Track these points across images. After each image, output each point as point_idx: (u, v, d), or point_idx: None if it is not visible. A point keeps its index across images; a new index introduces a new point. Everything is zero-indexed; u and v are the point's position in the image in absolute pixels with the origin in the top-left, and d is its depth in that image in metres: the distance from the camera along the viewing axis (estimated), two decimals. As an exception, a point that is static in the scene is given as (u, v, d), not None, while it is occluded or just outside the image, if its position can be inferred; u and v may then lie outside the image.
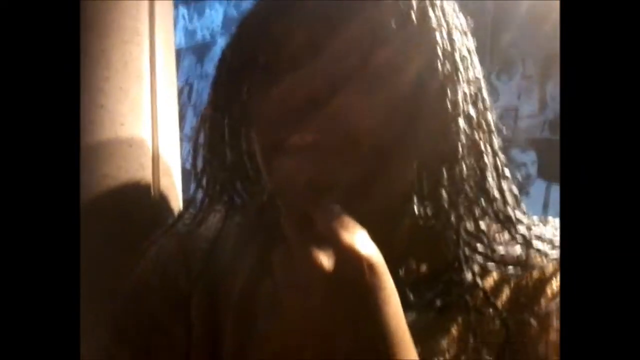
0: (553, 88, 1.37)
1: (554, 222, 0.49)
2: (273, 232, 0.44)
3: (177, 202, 0.73)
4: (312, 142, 0.41)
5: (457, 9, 0.47)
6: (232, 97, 0.48)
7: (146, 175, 0.69)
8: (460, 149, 0.43)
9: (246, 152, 0.50)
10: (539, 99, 1.38)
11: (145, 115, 0.69)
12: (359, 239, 0.36)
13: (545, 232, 0.47)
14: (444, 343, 0.45)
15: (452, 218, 0.43)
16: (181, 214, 0.55)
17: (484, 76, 0.46)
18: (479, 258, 0.45)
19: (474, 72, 0.46)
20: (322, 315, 0.36)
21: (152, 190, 0.69)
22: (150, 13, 0.69)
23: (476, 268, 0.45)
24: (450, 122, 0.43)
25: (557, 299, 0.44)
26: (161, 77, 0.71)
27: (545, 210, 1.35)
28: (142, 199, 0.68)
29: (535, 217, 0.49)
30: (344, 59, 0.42)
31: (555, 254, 0.46)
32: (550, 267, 0.46)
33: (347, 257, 0.36)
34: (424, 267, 0.47)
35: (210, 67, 2.15)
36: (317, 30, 0.43)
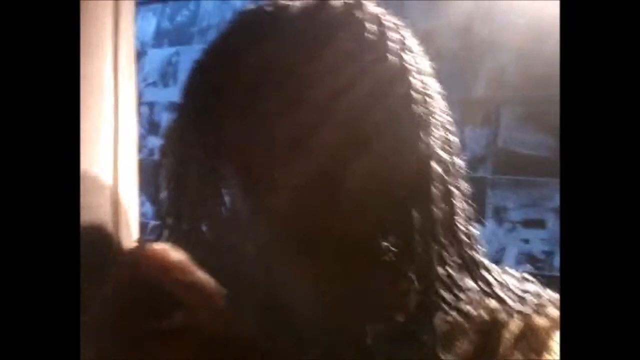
0: (471, 131, 1.46)
1: (508, 269, 0.49)
2: None
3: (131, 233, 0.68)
4: (301, 182, 0.42)
5: (422, 52, 0.48)
6: (203, 127, 0.46)
7: (106, 203, 0.64)
8: (433, 191, 0.43)
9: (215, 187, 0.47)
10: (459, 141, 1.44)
11: (107, 137, 0.65)
12: None
13: (504, 278, 0.47)
14: None
15: (423, 262, 0.42)
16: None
17: (450, 121, 0.47)
18: (445, 306, 0.43)
19: (443, 116, 0.47)
20: None
21: (111, 219, 0.64)
22: (115, 24, 0.66)
23: (447, 319, 0.43)
24: (424, 164, 0.43)
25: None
26: (123, 91, 0.67)
27: None
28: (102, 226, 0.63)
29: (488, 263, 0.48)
30: (323, 94, 0.42)
31: (518, 306, 0.45)
32: (513, 324, 0.44)
33: None
34: (385, 317, 0.44)
35: (139, 77, 2.10)
36: (295, 57, 0.43)
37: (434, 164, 0.44)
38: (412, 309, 0.43)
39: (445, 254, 0.43)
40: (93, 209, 0.62)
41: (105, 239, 0.62)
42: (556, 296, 0.47)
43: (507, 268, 0.49)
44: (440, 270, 0.43)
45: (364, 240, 0.43)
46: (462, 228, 0.45)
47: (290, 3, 0.46)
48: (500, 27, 1.44)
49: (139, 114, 2.09)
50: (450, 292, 0.43)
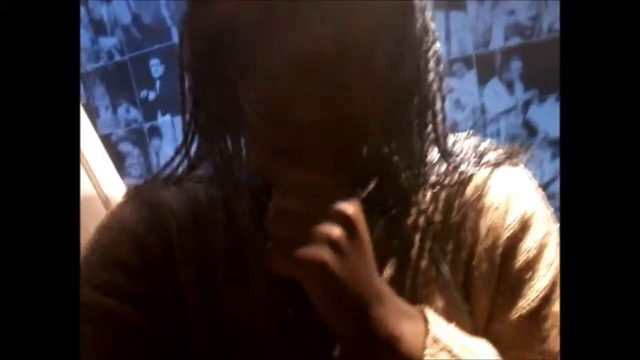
0: None
1: (468, 138, 0.59)
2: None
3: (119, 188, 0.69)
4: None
5: None
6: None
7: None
8: (430, 96, 0.51)
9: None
10: None
11: None
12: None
13: (465, 153, 0.57)
14: (399, 243, 0.54)
15: (420, 151, 0.52)
16: (134, 188, 0.58)
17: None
18: (421, 178, 0.54)
19: (432, 23, 0.51)
20: None
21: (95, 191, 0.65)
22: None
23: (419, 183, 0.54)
24: (422, 75, 0.50)
25: (474, 196, 0.55)
26: None
27: (447, 40, 1.39)
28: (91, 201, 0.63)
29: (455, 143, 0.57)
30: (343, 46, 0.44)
31: (472, 167, 0.56)
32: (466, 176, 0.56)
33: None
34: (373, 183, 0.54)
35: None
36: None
37: (431, 74, 0.50)
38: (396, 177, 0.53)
39: (425, 133, 0.53)
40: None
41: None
42: (496, 147, 0.59)
43: (466, 138, 0.59)
44: (417, 149, 0.53)
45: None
46: (440, 125, 0.53)
47: None
48: None
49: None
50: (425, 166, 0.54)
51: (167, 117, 1.75)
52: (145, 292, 0.52)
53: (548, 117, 1.35)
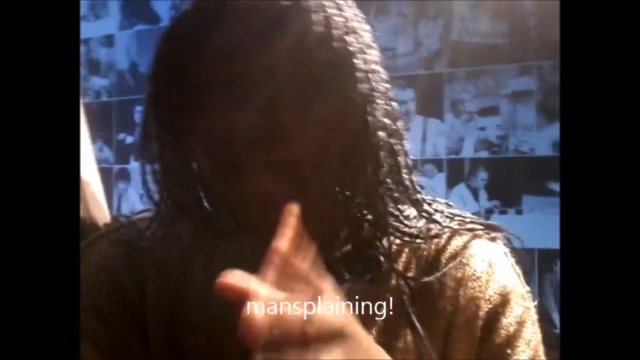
0: (423, 26, 1.49)
1: (442, 200, 0.60)
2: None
3: (104, 211, 0.68)
4: (268, 160, 0.47)
5: (363, 20, 0.53)
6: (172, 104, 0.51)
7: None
8: (381, 154, 0.52)
9: (196, 162, 0.53)
10: (414, 38, 1.50)
11: None
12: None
13: (439, 207, 0.58)
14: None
15: (379, 205, 0.52)
16: (117, 220, 0.58)
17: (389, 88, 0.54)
18: (398, 234, 0.54)
19: (384, 84, 0.53)
20: None
21: (80, 204, 0.63)
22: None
23: (395, 242, 0.55)
24: (372, 134, 0.51)
25: (452, 262, 0.55)
26: None
27: (423, 142, 1.48)
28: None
29: (428, 197, 0.59)
30: (281, 80, 0.47)
31: (446, 222, 0.56)
32: (444, 236, 0.57)
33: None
34: (349, 247, 0.55)
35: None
36: (243, 45, 0.47)
37: (380, 133, 0.51)
38: (368, 237, 0.55)
39: (394, 195, 0.54)
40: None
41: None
42: (473, 217, 0.60)
43: (438, 199, 0.59)
44: (390, 206, 0.53)
45: (322, 192, 0.51)
46: (406, 177, 0.54)
47: None
48: None
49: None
50: (398, 221, 0.54)
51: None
52: (115, 339, 0.52)
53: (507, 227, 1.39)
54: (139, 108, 1.77)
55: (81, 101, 0.68)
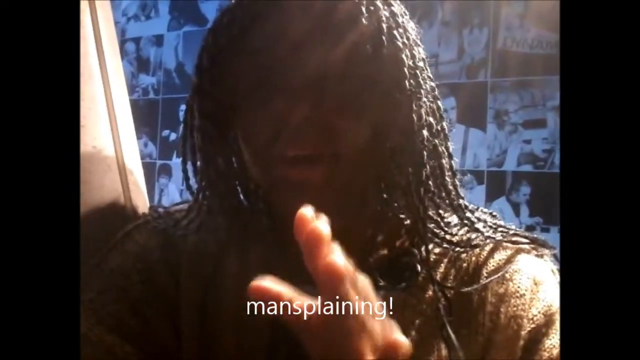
0: (469, 34, 1.46)
1: (483, 208, 0.58)
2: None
3: (144, 200, 0.68)
4: (311, 155, 0.46)
5: (409, 18, 0.52)
6: (217, 91, 0.51)
7: (114, 177, 0.64)
8: (424, 154, 0.49)
9: (235, 155, 0.53)
10: (458, 46, 1.47)
11: (103, 115, 0.64)
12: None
13: (482, 216, 0.55)
14: (411, 316, 0.51)
15: (419, 209, 0.50)
16: (155, 211, 0.58)
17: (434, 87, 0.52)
18: (437, 241, 0.52)
19: (430, 83, 0.51)
20: None
21: (122, 192, 0.64)
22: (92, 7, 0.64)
23: (435, 250, 0.52)
24: (417, 132, 0.49)
25: (494, 276, 0.52)
26: (111, 72, 0.66)
27: (464, 152, 1.44)
28: (115, 201, 0.64)
29: (471, 204, 0.56)
30: (329, 79, 0.46)
31: (489, 232, 0.54)
32: (486, 247, 0.54)
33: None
34: (384, 252, 0.53)
35: (118, 13, 2.03)
36: (303, 31, 0.46)
37: (424, 132, 0.49)
38: (405, 243, 0.53)
39: (435, 199, 0.51)
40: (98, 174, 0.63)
41: (116, 208, 0.63)
42: (518, 230, 0.56)
43: (482, 208, 0.57)
44: (431, 211, 0.51)
45: (363, 190, 0.51)
46: (449, 180, 0.52)
47: None
48: None
49: (126, 53, 2.02)
50: (439, 227, 0.52)
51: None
52: (147, 331, 0.51)
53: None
54: (183, 107, 1.82)
55: (128, 97, 0.70)
